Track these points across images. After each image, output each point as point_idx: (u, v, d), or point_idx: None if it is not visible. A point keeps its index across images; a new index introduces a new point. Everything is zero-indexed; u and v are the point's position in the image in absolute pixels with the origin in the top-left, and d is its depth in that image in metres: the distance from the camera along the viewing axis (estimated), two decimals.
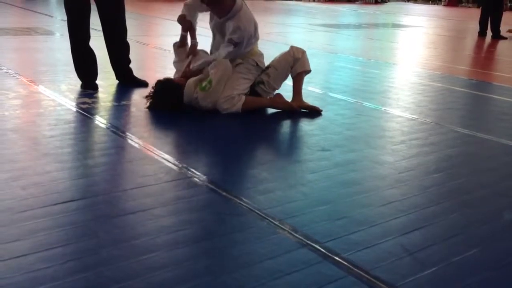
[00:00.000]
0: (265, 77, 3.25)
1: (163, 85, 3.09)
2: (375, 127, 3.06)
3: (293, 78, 3.32)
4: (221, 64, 3.08)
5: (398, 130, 2.98)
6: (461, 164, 2.47)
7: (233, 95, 3.08)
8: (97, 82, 3.61)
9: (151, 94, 3.10)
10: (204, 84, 3.05)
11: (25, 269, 1.38)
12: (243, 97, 3.13)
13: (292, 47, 3.32)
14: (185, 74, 3.22)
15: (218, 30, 3.24)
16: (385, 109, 3.43)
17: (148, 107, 3.09)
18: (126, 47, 3.73)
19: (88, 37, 3.50)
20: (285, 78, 3.34)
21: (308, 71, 3.34)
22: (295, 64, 3.26)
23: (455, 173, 2.34)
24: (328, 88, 4.00)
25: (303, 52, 3.30)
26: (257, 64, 3.22)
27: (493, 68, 5.97)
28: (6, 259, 1.42)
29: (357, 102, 3.58)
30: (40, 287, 1.31)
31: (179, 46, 3.38)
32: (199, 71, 3.19)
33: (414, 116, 3.26)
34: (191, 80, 3.13)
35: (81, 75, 3.62)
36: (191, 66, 3.23)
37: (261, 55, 3.30)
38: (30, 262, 1.41)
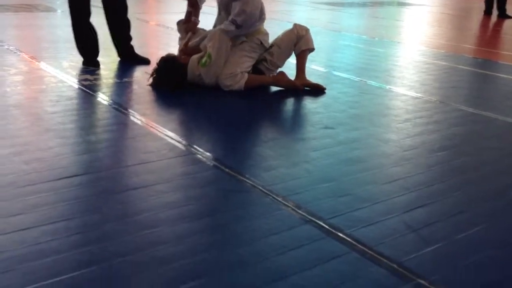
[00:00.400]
0: (268, 55, 3.22)
1: (167, 63, 3.06)
2: (379, 105, 3.04)
3: (296, 56, 3.28)
4: (216, 35, 3.04)
5: (403, 108, 2.95)
6: (466, 143, 2.45)
7: (236, 72, 3.05)
8: (98, 59, 3.58)
9: (154, 71, 3.08)
10: (204, 60, 3.02)
11: (28, 242, 1.38)
12: (246, 75, 3.10)
13: (295, 25, 3.27)
14: (185, 52, 3.19)
15: (223, 8, 3.20)
16: (389, 88, 3.40)
17: (151, 85, 3.06)
18: (127, 24, 3.69)
19: (89, 14, 3.46)
20: (288, 56, 3.30)
21: (312, 49, 3.30)
22: (298, 41, 3.22)
23: (459, 151, 2.32)
24: (332, 66, 3.96)
25: (306, 30, 3.26)
26: (261, 43, 3.19)
27: (498, 47, 5.90)
28: (9, 232, 1.42)
29: (361, 80, 3.54)
30: (45, 260, 1.31)
31: (184, 23, 3.34)
32: (197, 47, 3.16)
33: (419, 95, 3.23)
34: (194, 57, 3.10)
35: (82, 52, 3.58)
36: (189, 43, 3.20)
37: (266, 34, 3.26)
38: (34, 236, 1.41)
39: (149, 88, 3.05)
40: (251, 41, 3.15)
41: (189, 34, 3.26)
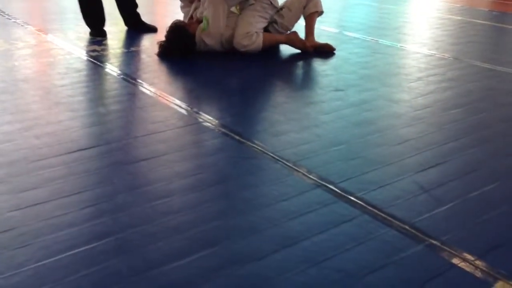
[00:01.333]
0: (278, 18, 3.19)
1: (176, 31, 3.02)
2: (390, 65, 2.97)
3: (305, 18, 3.22)
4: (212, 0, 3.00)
5: (415, 67, 2.89)
6: (481, 99, 2.40)
7: (252, 32, 3.03)
8: (105, 29, 3.55)
9: (163, 40, 3.05)
10: (203, 24, 3.00)
11: (43, 216, 1.40)
12: (261, 34, 3.07)
13: None
14: (195, 21, 3.15)
15: None
16: (401, 46, 3.32)
17: (159, 54, 3.04)
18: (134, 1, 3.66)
19: None
20: (298, 18, 3.25)
21: (321, 12, 3.23)
22: (308, 3, 3.16)
23: (474, 108, 2.28)
24: (343, 26, 3.87)
25: None
26: (271, 3, 3.13)
27: None
28: (23, 207, 1.44)
29: (372, 39, 3.46)
30: (59, 233, 1.33)
31: None
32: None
33: (432, 52, 3.15)
34: (200, 25, 3.08)
35: (89, 22, 3.55)
36: (197, 14, 3.14)
37: None
38: (48, 210, 1.43)
39: (156, 57, 3.03)
40: (261, 1, 3.10)
41: (195, 3, 3.21)
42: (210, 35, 3.04)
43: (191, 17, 3.21)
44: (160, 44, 3.06)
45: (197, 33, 3.06)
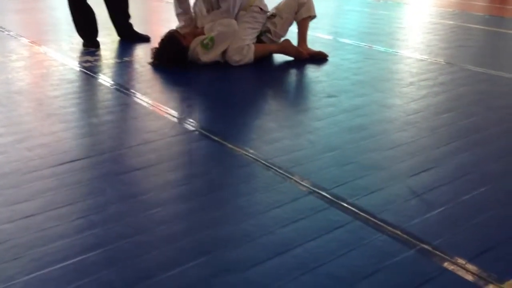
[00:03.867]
0: (271, 26, 3.19)
1: (169, 43, 3.01)
2: (383, 70, 2.99)
3: (297, 23, 3.23)
4: (226, 23, 2.99)
5: (407, 71, 2.90)
6: (472, 103, 2.41)
7: (243, 45, 3.02)
8: (98, 39, 3.56)
9: (156, 50, 3.05)
10: (205, 41, 2.98)
11: (34, 228, 1.40)
12: (252, 46, 3.07)
13: None
14: (191, 33, 3.13)
15: None
16: (393, 51, 3.34)
17: (152, 63, 3.04)
18: (124, 2, 3.65)
19: None
20: (290, 24, 3.26)
21: (313, 17, 3.24)
22: (299, 9, 3.17)
23: (465, 112, 2.29)
24: (336, 32, 3.89)
25: None
26: (261, 9, 3.13)
27: (506, 2, 5.73)
28: (15, 219, 1.44)
29: (365, 45, 3.48)
30: (51, 245, 1.33)
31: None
32: (203, 30, 3.11)
33: (424, 57, 3.17)
34: (198, 39, 3.05)
35: (82, 33, 3.56)
36: (205, 27, 3.11)
37: None
38: (39, 222, 1.43)
39: (149, 66, 3.03)
40: (251, 11, 3.10)
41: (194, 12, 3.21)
42: (208, 55, 3.02)
43: (196, 26, 3.19)
44: (153, 54, 3.06)
45: (193, 46, 3.04)
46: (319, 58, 3.16)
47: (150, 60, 3.07)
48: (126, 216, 1.47)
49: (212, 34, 2.99)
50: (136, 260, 1.27)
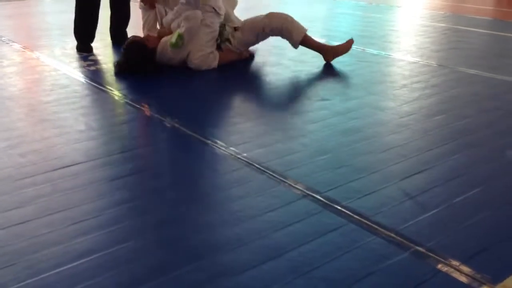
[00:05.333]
0: (232, 39, 3.14)
1: (134, 47, 2.93)
2: (375, 73, 3.00)
3: (304, 46, 3.17)
4: (191, 17, 2.94)
5: (399, 74, 2.92)
6: (464, 105, 2.43)
7: (206, 52, 3.00)
8: (92, 44, 3.55)
9: (120, 59, 2.98)
10: (175, 40, 2.91)
11: (27, 235, 1.39)
12: (217, 55, 3.05)
13: (269, 16, 3.10)
14: (157, 34, 3.11)
15: None
16: (386, 54, 3.36)
17: (116, 73, 2.97)
18: (127, 18, 3.76)
19: (98, 4, 3.46)
20: (251, 45, 3.25)
21: (305, 31, 3.16)
22: (291, 35, 3.07)
23: (458, 114, 2.30)
24: (328, 36, 3.90)
25: (288, 19, 3.07)
26: (214, 10, 3.00)
27: (498, 4, 5.78)
28: (8, 226, 1.43)
29: (357, 48, 3.50)
30: (44, 252, 1.32)
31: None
32: (169, 30, 3.07)
33: (416, 59, 3.18)
34: (165, 40, 3.00)
35: (78, 36, 3.56)
36: (171, 24, 3.07)
37: None
38: (32, 228, 1.42)
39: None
40: (204, 10, 2.98)
41: (157, 9, 3.26)
42: (180, 54, 2.98)
43: (162, 25, 3.20)
44: (117, 63, 2.98)
45: (160, 48, 2.98)
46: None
47: (115, 70, 2.98)
48: (120, 222, 1.46)
49: (179, 31, 2.94)
50: (130, 265, 1.27)
